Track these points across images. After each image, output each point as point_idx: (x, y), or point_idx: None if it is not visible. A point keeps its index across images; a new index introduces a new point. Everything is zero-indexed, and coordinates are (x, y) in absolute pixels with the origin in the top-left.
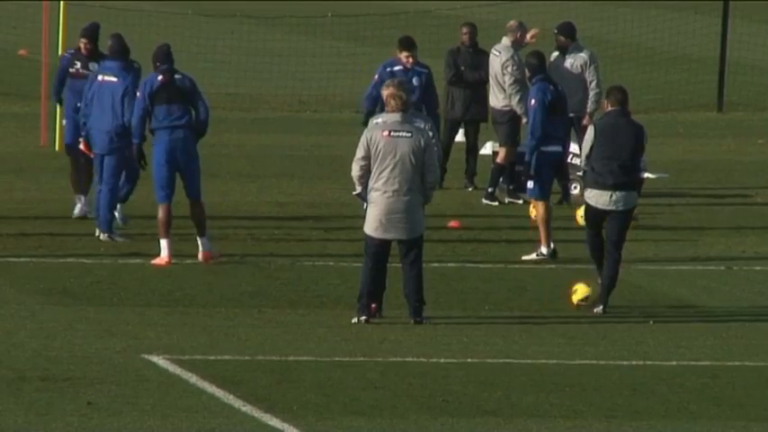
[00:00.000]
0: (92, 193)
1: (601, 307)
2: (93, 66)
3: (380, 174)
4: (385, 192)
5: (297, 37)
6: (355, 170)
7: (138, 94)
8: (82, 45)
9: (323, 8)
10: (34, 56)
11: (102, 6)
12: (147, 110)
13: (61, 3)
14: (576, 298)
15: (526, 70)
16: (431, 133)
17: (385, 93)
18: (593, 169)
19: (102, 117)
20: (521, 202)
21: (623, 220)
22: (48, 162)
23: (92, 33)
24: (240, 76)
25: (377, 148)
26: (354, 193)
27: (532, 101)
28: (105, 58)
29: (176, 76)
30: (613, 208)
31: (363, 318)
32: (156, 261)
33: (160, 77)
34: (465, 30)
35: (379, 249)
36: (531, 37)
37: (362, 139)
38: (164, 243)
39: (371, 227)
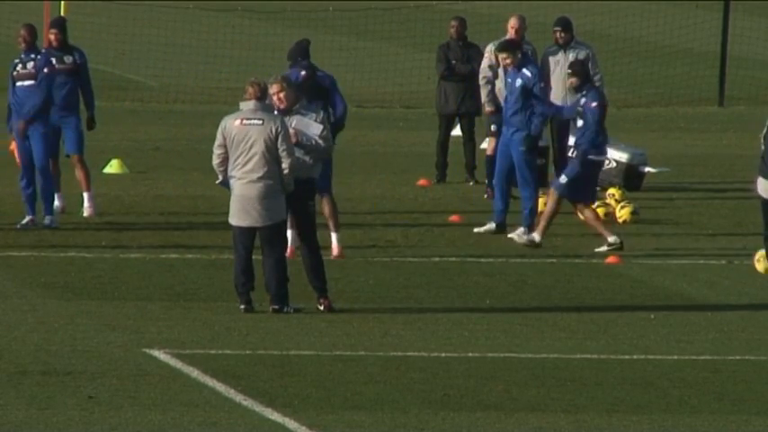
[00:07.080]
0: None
1: None
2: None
3: (236, 161)
4: (240, 179)
5: (298, 31)
6: (214, 159)
7: None
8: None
9: (324, 2)
10: None
11: (103, 0)
12: None
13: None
14: (761, 267)
15: (575, 79)
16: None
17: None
18: (762, 158)
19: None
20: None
21: None
22: None
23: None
24: (241, 71)
25: (230, 136)
26: (216, 182)
27: (593, 104)
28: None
29: (318, 73)
30: None
31: (242, 306)
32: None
33: (303, 73)
34: (453, 23)
35: (241, 237)
36: None
37: (219, 128)
38: (334, 236)
39: (231, 214)
